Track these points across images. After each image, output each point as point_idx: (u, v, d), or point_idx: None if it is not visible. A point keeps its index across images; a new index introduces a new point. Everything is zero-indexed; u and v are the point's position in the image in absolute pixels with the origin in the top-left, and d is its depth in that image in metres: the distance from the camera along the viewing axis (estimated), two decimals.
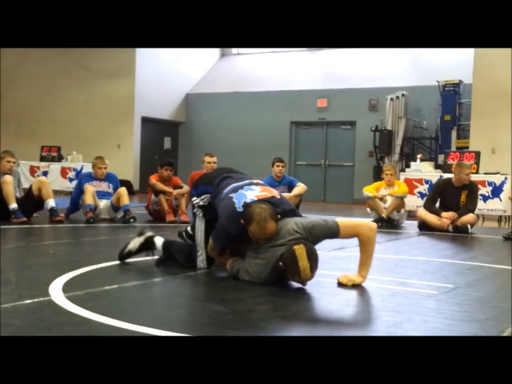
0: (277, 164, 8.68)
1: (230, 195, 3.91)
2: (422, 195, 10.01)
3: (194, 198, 4.21)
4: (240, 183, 4.00)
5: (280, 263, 3.55)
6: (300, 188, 8.54)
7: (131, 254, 4.37)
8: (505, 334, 2.71)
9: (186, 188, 8.24)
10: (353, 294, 3.26)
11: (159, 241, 4.37)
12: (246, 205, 3.76)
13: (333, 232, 3.72)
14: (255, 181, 4.09)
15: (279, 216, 3.72)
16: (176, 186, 8.10)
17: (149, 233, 4.40)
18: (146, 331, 2.55)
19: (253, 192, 3.90)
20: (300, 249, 3.48)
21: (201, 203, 4.14)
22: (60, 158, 13.90)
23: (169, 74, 16.53)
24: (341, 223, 3.77)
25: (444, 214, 7.64)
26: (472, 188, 7.81)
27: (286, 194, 8.43)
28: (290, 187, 8.62)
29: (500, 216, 9.84)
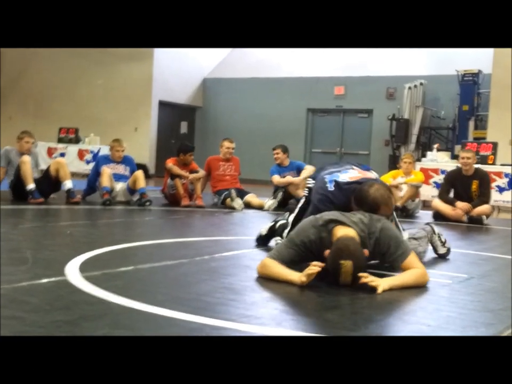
0: (273, 151, 8.72)
1: (324, 177, 3.93)
2: (437, 185, 9.96)
3: (308, 181, 4.30)
4: (338, 168, 4.01)
5: (326, 253, 3.24)
6: (308, 170, 8.59)
7: (262, 236, 4.69)
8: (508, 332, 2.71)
9: (202, 172, 8.28)
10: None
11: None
12: (359, 192, 3.64)
13: (401, 253, 3.35)
14: (356, 166, 4.04)
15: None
16: (192, 171, 8.14)
17: (279, 218, 4.64)
18: (162, 312, 2.58)
19: (347, 174, 3.89)
20: (346, 267, 3.14)
21: (309, 185, 4.21)
22: (77, 140, 13.97)
23: (187, 58, 16.52)
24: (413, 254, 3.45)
25: (459, 204, 7.61)
26: (482, 177, 7.75)
27: (295, 178, 8.49)
28: (299, 171, 8.66)
29: None
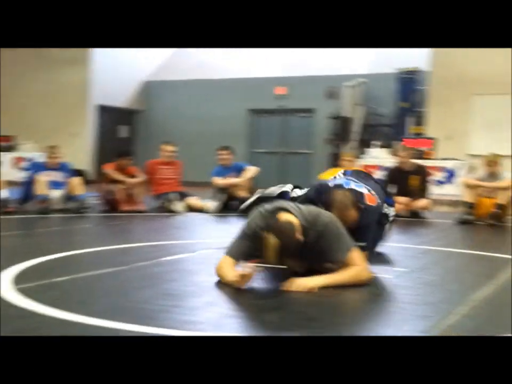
0: (218, 152, 8.84)
1: (346, 178, 4.03)
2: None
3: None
4: (364, 183, 4.05)
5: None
6: (250, 170, 8.65)
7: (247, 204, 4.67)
8: (454, 317, 2.76)
9: (142, 177, 8.17)
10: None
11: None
12: (329, 190, 3.79)
13: (343, 248, 3.36)
14: (375, 192, 4.05)
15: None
16: (132, 175, 8.03)
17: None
18: (100, 323, 2.51)
19: (354, 185, 3.93)
20: (268, 240, 3.18)
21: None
22: (12, 148, 13.59)
23: (127, 61, 16.28)
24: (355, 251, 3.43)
25: (399, 199, 7.74)
26: (422, 172, 7.93)
27: (237, 179, 8.50)
28: (241, 172, 8.67)
29: (454, 201, 10.03)
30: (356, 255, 3.41)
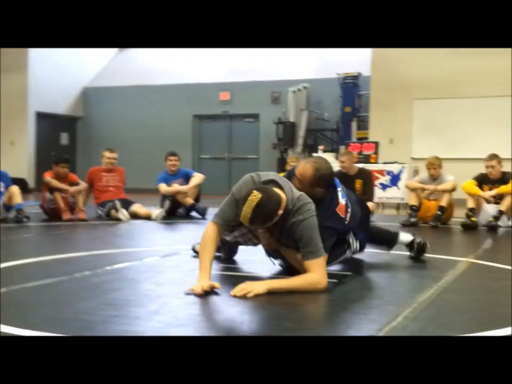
0: (169, 158, 8.65)
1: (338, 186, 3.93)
2: None
3: None
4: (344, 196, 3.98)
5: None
6: (196, 177, 8.59)
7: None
8: (399, 319, 2.75)
9: (83, 185, 7.98)
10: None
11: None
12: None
13: (308, 252, 3.27)
14: (350, 202, 3.98)
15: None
16: (73, 183, 7.82)
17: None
18: (37, 335, 2.40)
19: (340, 190, 3.89)
20: (254, 196, 3.14)
21: None
22: None
23: (65, 67, 15.98)
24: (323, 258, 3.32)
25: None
26: (366, 176, 7.98)
27: (183, 187, 8.39)
28: (187, 178, 8.58)
29: (398, 204, 10.20)
30: (320, 264, 3.28)
